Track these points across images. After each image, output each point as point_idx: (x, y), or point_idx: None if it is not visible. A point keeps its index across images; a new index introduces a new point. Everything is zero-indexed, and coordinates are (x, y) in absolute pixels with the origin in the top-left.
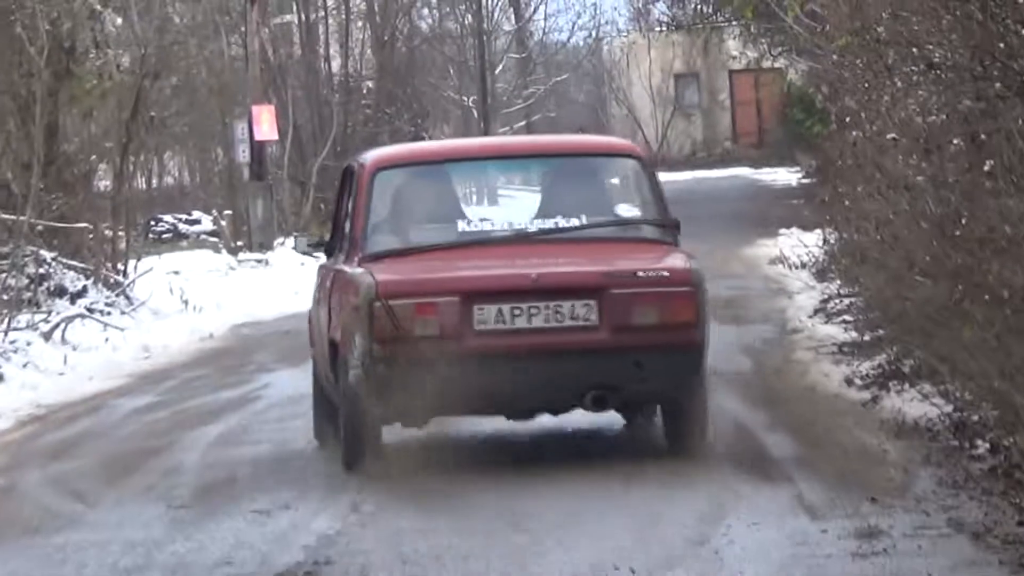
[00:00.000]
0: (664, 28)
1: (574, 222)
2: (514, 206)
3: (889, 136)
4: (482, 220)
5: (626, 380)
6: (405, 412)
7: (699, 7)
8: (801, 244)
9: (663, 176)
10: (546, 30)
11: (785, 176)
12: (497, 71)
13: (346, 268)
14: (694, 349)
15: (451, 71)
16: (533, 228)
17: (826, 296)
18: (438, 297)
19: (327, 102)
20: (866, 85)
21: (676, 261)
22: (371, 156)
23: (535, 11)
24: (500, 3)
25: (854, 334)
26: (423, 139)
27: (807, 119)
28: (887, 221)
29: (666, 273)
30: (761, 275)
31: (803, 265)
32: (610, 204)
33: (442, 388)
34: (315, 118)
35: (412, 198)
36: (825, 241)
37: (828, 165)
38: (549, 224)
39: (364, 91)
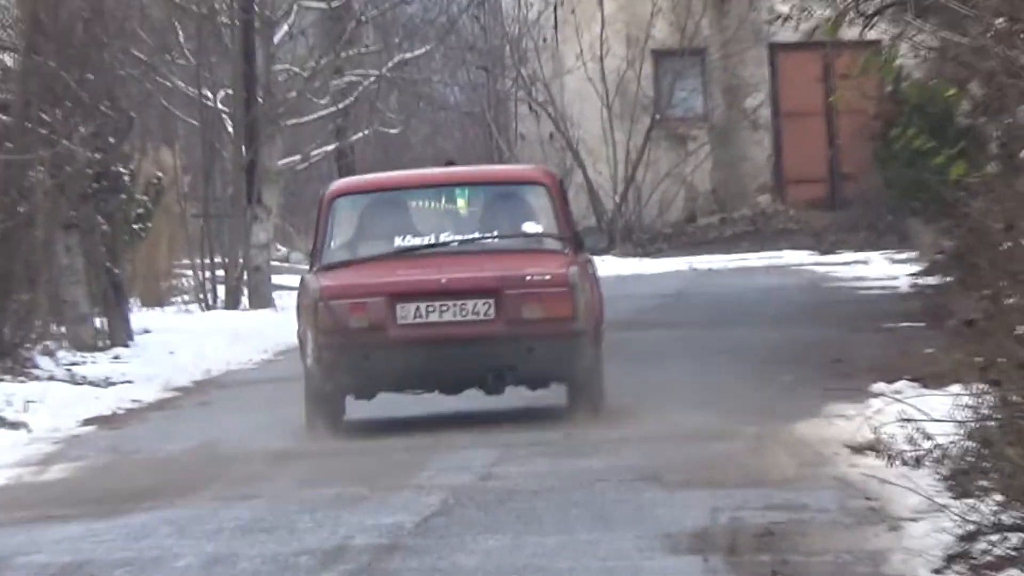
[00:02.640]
0: None
1: (487, 237)
2: (443, 224)
3: None
4: (414, 236)
5: (519, 362)
6: (351, 387)
7: None
8: (917, 415)
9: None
10: None
11: (884, 269)
12: (277, 38)
13: (307, 276)
14: (573, 337)
15: (179, 38)
16: (453, 242)
17: (972, 526)
18: (368, 298)
19: None
20: None
21: (560, 268)
22: (332, 185)
23: None
24: None
25: None
26: (121, 176)
27: (935, 150)
28: None
29: (548, 277)
30: (832, 479)
31: (919, 460)
32: (519, 222)
33: (374, 368)
34: None
35: (361, 219)
36: (972, 409)
37: (978, 248)
38: (467, 239)
39: None
